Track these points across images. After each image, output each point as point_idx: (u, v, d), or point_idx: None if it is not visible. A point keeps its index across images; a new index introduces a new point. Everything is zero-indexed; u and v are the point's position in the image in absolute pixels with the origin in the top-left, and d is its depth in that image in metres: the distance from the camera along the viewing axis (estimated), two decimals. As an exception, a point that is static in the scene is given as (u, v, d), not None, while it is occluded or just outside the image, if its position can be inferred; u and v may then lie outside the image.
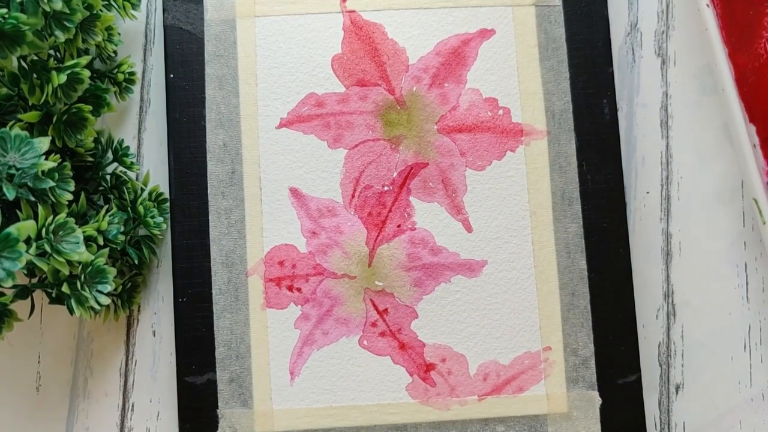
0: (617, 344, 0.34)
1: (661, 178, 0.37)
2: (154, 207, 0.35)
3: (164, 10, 0.36)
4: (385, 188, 0.35)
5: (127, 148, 0.36)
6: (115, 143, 0.35)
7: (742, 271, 0.36)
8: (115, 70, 0.36)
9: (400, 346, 0.34)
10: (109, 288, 0.30)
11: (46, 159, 0.28)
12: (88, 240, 0.31)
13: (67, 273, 0.29)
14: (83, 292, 0.29)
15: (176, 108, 0.35)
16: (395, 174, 0.35)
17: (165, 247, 0.36)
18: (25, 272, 0.31)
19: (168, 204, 0.35)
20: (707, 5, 0.35)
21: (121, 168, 0.35)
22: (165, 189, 0.36)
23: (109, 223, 0.32)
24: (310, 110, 0.35)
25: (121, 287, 0.34)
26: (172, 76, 0.35)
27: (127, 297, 0.35)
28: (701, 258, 0.36)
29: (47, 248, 0.28)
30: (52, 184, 0.28)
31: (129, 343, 0.36)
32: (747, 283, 0.36)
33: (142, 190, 0.35)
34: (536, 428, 0.34)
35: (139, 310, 0.36)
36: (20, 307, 0.30)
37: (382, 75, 0.35)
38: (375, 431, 0.34)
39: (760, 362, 0.36)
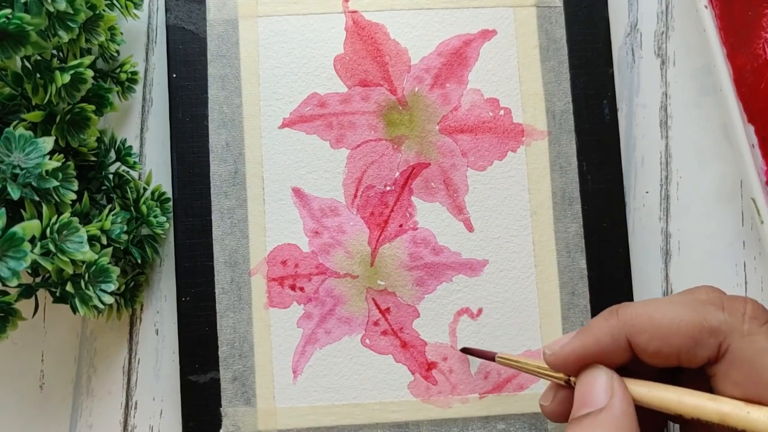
0: (617, 343, 0.34)
1: (661, 177, 0.37)
2: (156, 206, 0.35)
3: (167, 10, 0.36)
4: (387, 188, 0.35)
5: (130, 147, 0.36)
6: (118, 143, 0.35)
7: (741, 271, 0.36)
8: (118, 70, 0.36)
9: (401, 344, 0.34)
10: (112, 287, 0.30)
11: (50, 159, 0.28)
12: (92, 239, 0.31)
13: (71, 272, 0.29)
14: (87, 291, 0.30)
15: (179, 108, 0.35)
16: (397, 174, 0.35)
17: (168, 246, 0.36)
18: (29, 271, 0.31)
19: (171, 203, 0.36)
20: (705, 6, 0.35)
21: (123, 167, 0.35)
22: (168, 188, 0.36)
23: (113, 223, 0.32)
24: (313, 110, 0.35)
25: (124, 286, 0.34)
26: (174, 75, 0.35)
27: (130, 296, 0.35)
28: (700, 257, 0.36)
29: (51, 248, 0.28)
30: (56, 183, 0.29)
31: (132, 342, 0.36)
32: (746, 283, 0.36)
33: (145, 189, 0.35)
34: (536, 426, 0.34)
35: (142, 309, 0.36)
36: (24, 306, 0.31)
37: (384, 75, 0.36)
38: (377, 429, 0.34)
39: (758, 360, 0.36)
